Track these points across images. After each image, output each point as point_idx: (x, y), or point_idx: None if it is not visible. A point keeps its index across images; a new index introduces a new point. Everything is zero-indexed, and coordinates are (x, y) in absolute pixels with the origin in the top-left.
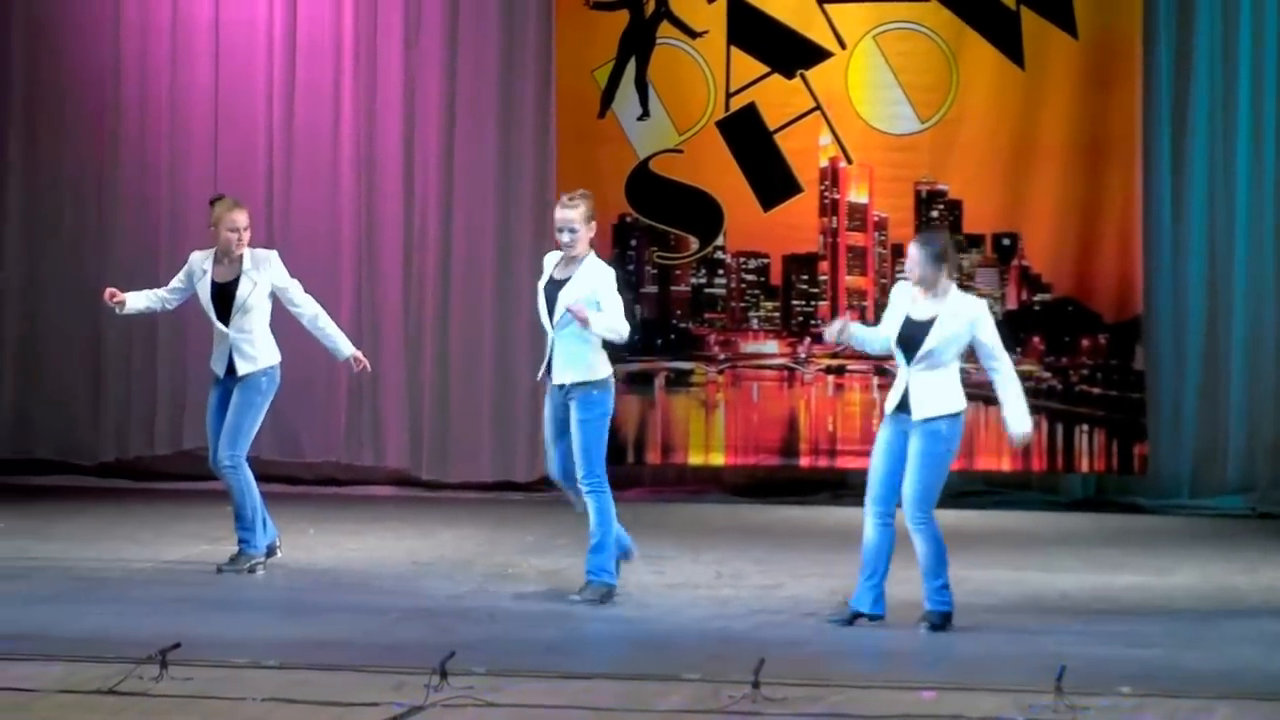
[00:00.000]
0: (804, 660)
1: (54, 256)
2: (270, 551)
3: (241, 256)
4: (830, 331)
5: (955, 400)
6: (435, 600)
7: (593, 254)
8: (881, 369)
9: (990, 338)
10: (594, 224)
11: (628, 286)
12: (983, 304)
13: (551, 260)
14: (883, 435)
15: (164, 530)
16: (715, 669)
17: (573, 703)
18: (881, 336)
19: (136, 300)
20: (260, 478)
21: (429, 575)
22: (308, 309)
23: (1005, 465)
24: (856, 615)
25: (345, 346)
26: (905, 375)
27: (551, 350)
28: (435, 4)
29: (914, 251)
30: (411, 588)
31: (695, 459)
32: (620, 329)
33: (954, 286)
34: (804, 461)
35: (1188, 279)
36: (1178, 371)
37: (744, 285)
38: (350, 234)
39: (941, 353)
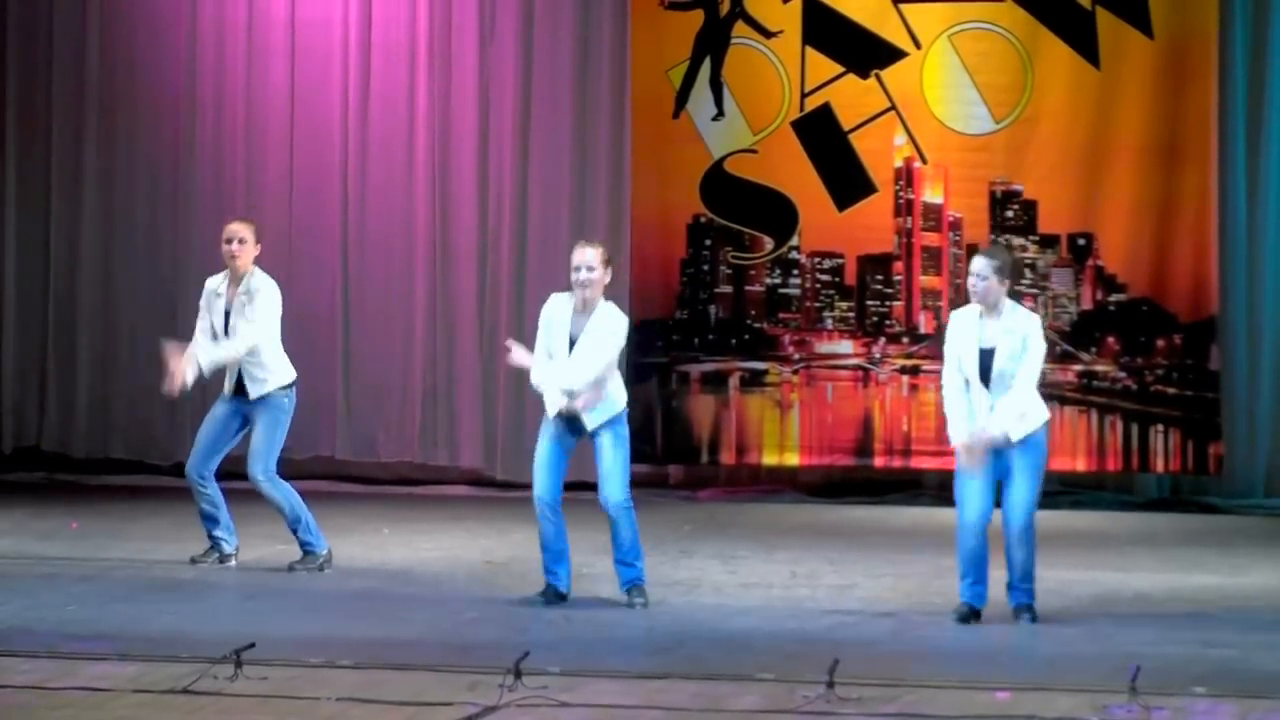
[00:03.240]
0: (878, 660)
1: (130, 257)
2: (226, 558)
3: (244, 278)
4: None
5: (1041, 411)
6: (509, 600)
7: (604, 301)
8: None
9: (1032, 357)
10: (610, 269)
11: (702, 286)
12: (1036, 320)
13: (559, 305)
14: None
15: (238, 530)
16: (789, 669)
17: (646, 703)
18: (961, 385)
19: (192, 366)
20: (335, 478)
21: (503, 575)
22: (245, 329)
23: (1080, 466)
24: (974, 611)
25: (206, 360)
26: (987, 401)
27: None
28: (510, 4)
29: (982, 266)
30: (486, 588)
31: (770, 459)
32: (591, 373)
33: (1009, 301)
34: (878, 462)
35: (1263, 279)
36: (1252, 371)
37: (818, 285)
38: (425, 234)
39: (1013, 374)
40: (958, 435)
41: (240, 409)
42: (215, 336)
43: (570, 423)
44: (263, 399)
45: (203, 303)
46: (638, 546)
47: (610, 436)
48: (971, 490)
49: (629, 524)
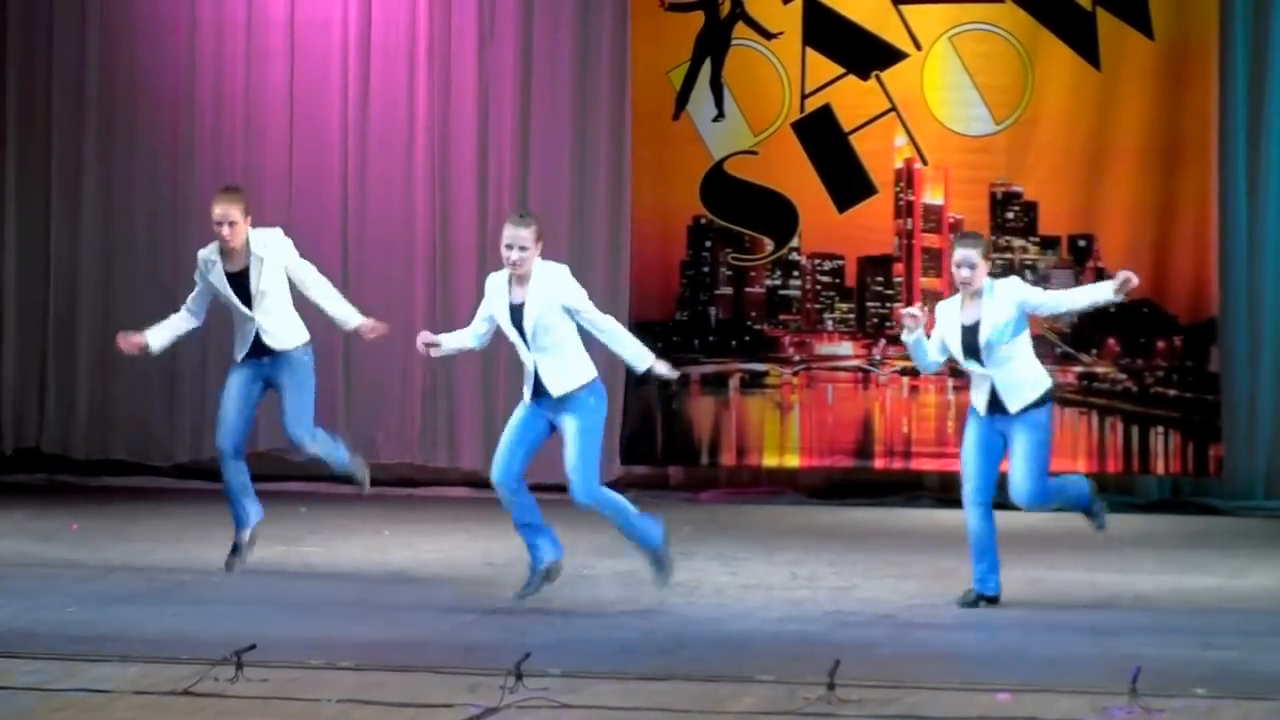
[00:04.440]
0: (879, 662)
1: (130, 257)
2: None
3: (247, 242)
4: (908, 313)
5: (1043, 381)
6: (510, 602)
7: (538, 262)
8: (956, 370)
9: (1039, 295)
10: (541, 244)
11: (702, 288)
12: (1014, 280)
13: (497, 283)
14: (976, 433)
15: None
16: (790, 671)
17: (647, 704)
18: (931, 359)
19: (159, 335)
20: (335, 479)
21: (504, 576)
22: (319, 289)
23: (1080, 467)
24: (981, 598)
25: (353, 317)
26: (987, 377)
27: (535, 371)
28: (510, 5)
29: (970, 254)
30: (486, 589)
31: (770, 460)
32: (623, 333)
33: (988, 279)
34: (879, 463)
35: (1263, 281)
36: (1253, 373)
37: (819, 287)
38: (424, 234)
39: (1001, 343)
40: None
41: (259, 372)
42: (220, 308)
43: (538, 404)
44: (284, 358)
45: (196, 274)
46: (630, 528)
47: (576, 422)
48: (970, 463)
49: (612, 510)
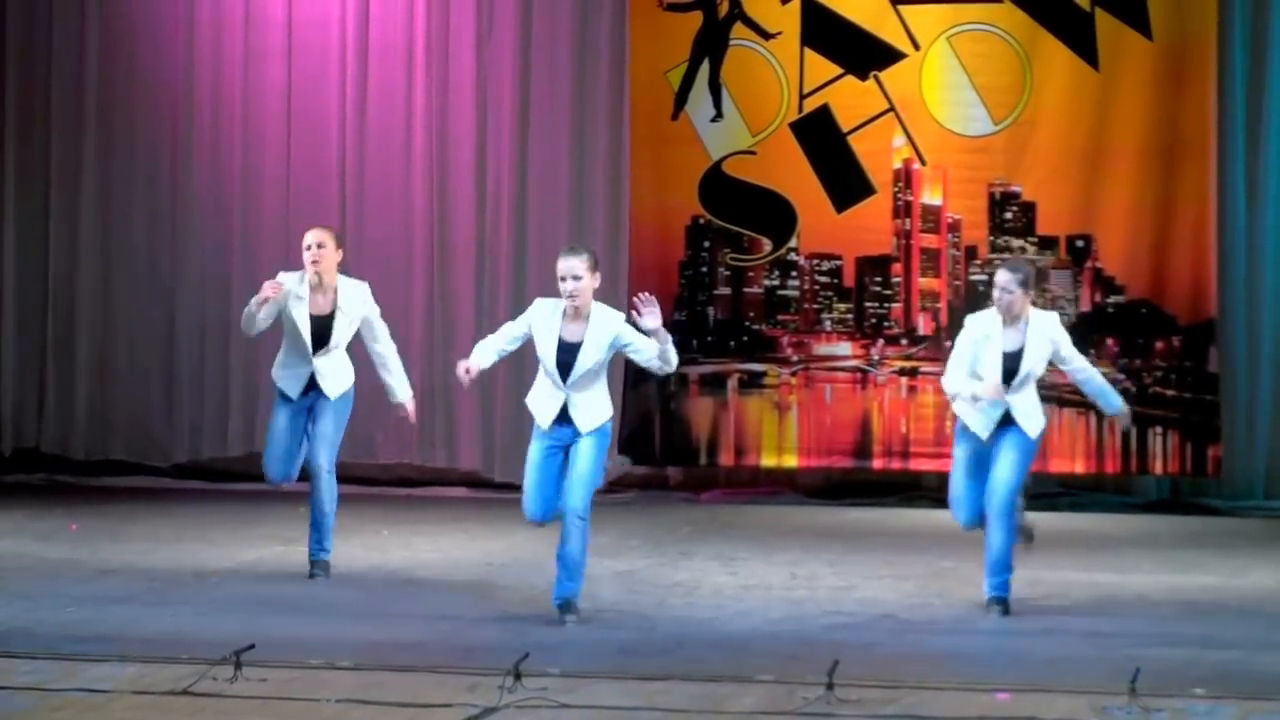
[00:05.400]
0: (878, 662)
1: (129, 257)
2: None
3: (336, 289)
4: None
5: (1043, 412)
6: (509, 602)
7: (595, 304)
8: None
9: (1069, 349)
10: (599, 275)
11: (700, 288)
12: (1055, 316)
13: (547, 312)
14: (972, 452)
15: (238, 531)
16: (789, 671)
17: (646, 704)
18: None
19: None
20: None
21: (503, 577)
22: (385, 348)
23: (1079, 468)
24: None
25: (403, 390)
26: (1004, 404)
27: (567, 404)
28: (508, 4)
29: (1007, 280)
30: (485, 589)
31: (768, 461)
32: (670, 355)
33: (1032, 309)
34: (877, 464)
35: (1262, 281)
36: (1251, 373)
37: (817, 287)
38: (422, 235)
39: (1035, 375)
40: (975, 386)
41: (305, 404)
42: (288, 340)
43: (560, 434)
44: (336, 396)
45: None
46: (583, 562)
47: (593, 443)
48: (964, 495)
49: (581, 536)
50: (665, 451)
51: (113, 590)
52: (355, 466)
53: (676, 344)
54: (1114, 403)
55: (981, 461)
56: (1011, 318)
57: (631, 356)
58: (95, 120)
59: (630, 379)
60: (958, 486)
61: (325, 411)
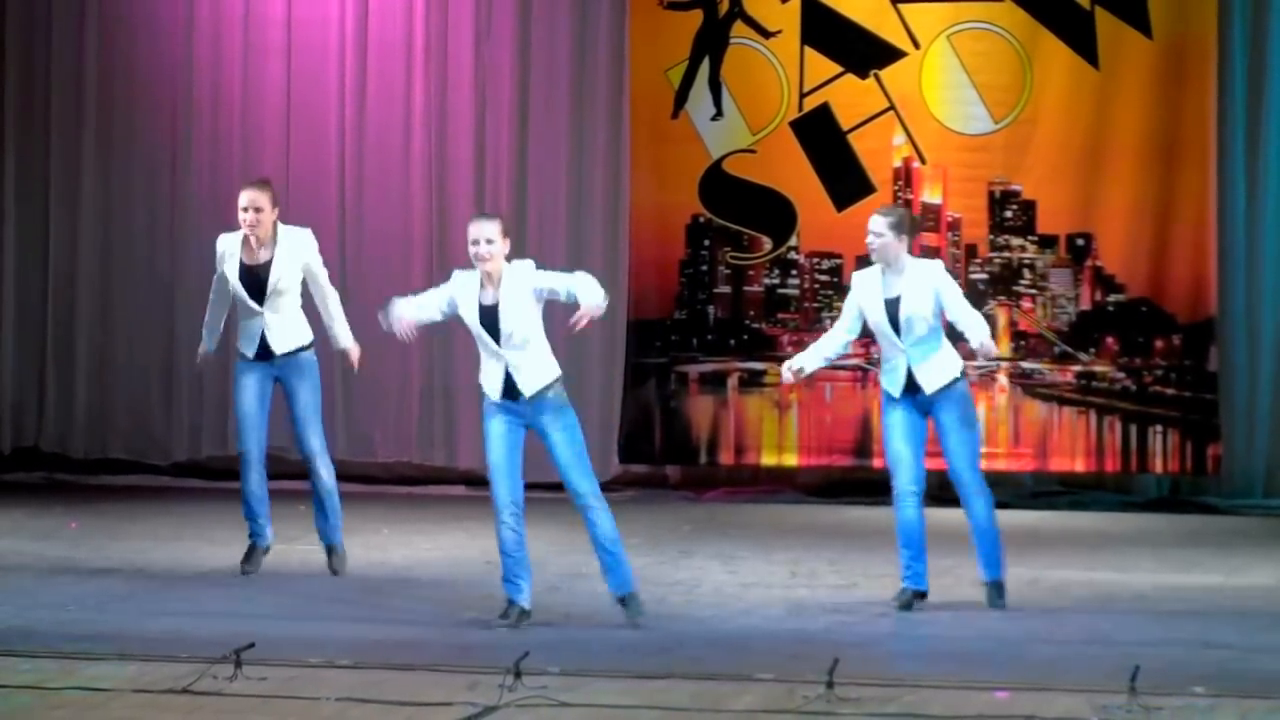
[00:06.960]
0: (878, 660)
1: (128, 256)
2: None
3: (275, 237)
4: (786, 378)
5: (957, 363)
6: (508, 601)
7: (506, 265)
8: None
9: (952, 296)
10: (509, 241)
11: (700, 286)
12: (938, 264)
13: (465, 282)
14: (899, 419)
15: (238, 530)
16: (789, 669)
17: (646, 703)
18: (841, 339)
19: (211, 338)
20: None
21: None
22: (325, 293)
23: (1079, 466)
24: (918, 594)
25: (345, 337)
26: (903, 355)
27: (507, 370)
28: (507, 3)
29: (879, 224)
30: (485, 588)
31: (768, 459)
32: (593, 285)
33: (909, 258)
34: (877, 462)
35: (1262, 280)
36: (1251, 372)
37: (817, 286)
38: (421, 233)
39: (918, 323)
40: (796, 360)
41: (269, 373)
42: (234, 303)
43: (511, 402)
44: (292, 360)
45: (217, 261)
46: (619, 540)
47: (557, 422)
48: (902, 455)
49: (607, 515)
50: (665, 450)
51: (112, 589)
52: (355, 465)
53: (677, 343)
54: (978, 335)
55: (910, 425)
56: (887, 264)
57: (561, 299)
58: (95, 120)
59: (630, 379)
60: (894, 450)
61: (293, 388)
